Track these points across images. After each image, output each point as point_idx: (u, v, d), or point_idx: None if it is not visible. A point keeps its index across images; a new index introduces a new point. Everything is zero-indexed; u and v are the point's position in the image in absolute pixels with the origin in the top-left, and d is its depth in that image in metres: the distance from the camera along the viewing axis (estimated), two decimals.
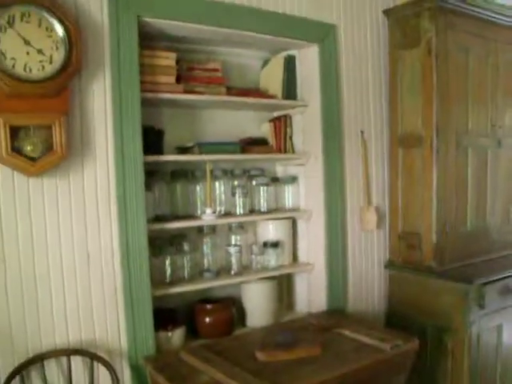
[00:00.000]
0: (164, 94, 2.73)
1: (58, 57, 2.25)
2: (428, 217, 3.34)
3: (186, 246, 2.94)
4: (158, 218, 2.80)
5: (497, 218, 3.75)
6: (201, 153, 2.90)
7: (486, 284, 3.21)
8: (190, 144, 2.98)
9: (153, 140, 2.77)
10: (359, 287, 3.50)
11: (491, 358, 3.36)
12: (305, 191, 3.41)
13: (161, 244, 2.88)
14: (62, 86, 2.27)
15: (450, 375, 3.23)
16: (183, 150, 2.98)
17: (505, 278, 3.36)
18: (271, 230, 3.32)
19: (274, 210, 3.28)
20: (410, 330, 3.01)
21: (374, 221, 3.46)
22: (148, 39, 2.74)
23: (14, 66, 2.15)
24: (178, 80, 2.85)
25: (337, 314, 3.21)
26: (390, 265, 3.60)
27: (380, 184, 3.59)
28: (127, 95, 2.50)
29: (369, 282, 3.56)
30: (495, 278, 3.29)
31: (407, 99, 3.44)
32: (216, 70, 3.05)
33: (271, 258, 3.21)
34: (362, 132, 3.46)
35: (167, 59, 2.80)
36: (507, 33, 3.70)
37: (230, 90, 3.08)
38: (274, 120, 3.42)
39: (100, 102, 2.48)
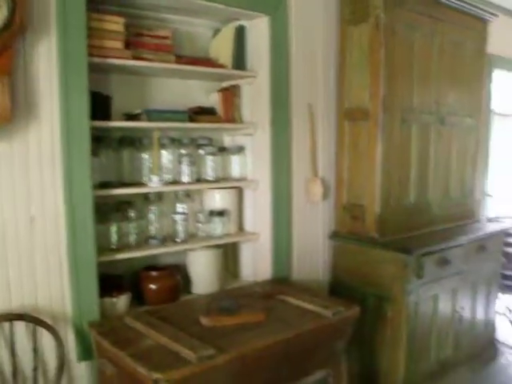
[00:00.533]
0: (112, 59, 2.69)
1: (1, 15, 2.19)
2: (372, 189, 3.43)
3: (132, 213, 2.94)
4: (105, 185, 2.78)
5: (438, 192, 3.89)
6: (149, 120, 2.88)
7: (425, 255, 3.33)
8: (138, 111, 2.95)
9: (100, 106, 2.73)
10: (304, 257, 3.58)
11: (427, 325, 3.51)
12: (252, 161, 3.44)
13: (107, 210, 2.86)
14: (5, 45, 2.21)
15: (389, 341, 3.36)
16: (131, 117, 2.95)
17: (443, 249, 3.50)
18: (218, 199, 3.35)
19: (221, 180, 3.30)
20: (352, 299, 3.11)
21: (320, 192, 3.53)
22: (96, 2, 2.68)
23: None
24: (127, 46, 2.81)
25: (281, 283, 3.28)
26: (334, 235, 3.69)
27: (327, 156, 3.65)
28: (74, 58, 2.45)
29: (313, 252, 3.64)
30: (434, 249, 3.42)
31: (355, 74, 3.51)
32: (166, 38, 3.01)
33: (217, 227, 3.24)
34: (309, 104, 3.50)
35: (116, 24, 2.74)
36: (453, 14, 3.81)
37: (180, 59, 3.06)
38: (223, 90, 3.42)
39: (45, 64, 2.41)
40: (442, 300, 3.59)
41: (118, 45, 2.75)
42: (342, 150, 3.62)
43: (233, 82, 3.43)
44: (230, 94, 3.39)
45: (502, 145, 6.06)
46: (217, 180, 3.25)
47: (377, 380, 3.44)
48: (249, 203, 3.51)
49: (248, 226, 3.52)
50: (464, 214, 4.22)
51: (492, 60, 4.97)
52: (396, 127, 3.45)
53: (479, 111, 4.31)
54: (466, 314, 3.90)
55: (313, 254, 3.64)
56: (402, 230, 3.58)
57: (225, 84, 3.47)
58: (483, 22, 4.17)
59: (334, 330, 2.78)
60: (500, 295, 4.63)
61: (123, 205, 2.96)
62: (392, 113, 3.41)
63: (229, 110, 3.38)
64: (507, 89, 5.94)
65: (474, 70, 4.15)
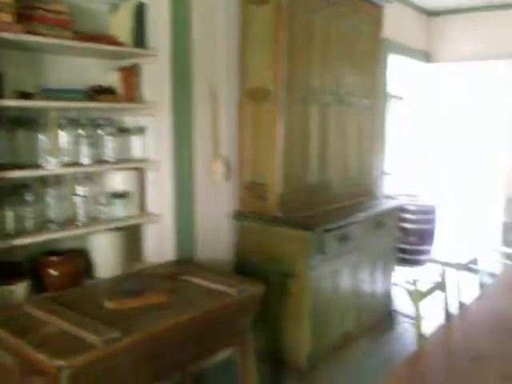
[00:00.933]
0: (0, 32, 2.54)
1: None
2: (274, 169, 3.48)
3: (29, 197, 2.80)
4: None
5: (337, 171, 4.01)
6: (45, 99, 2.75)
7: (326, 232, 3.44)
8: (33, 90, 2.81)
9: None
10: (208, 237, 3.58)
11: (330, 300, 3.64)
12: (153, 142, 3.37)
13: (1, 194, 2.71)
14: None
15: (294, 317, 3.45)
16: (25, 96, 2.81)
17: (343, 226, 3.62)
18: (119, 180, 3.26)
19: (122, 161, 3.22)
20: (257, 277, 3.16)
21: (222, 172, 3.54)
22: None
23: None
24: (20, 20, 2.66)
25: (185, 263, 3.26)
26: (237, 215, 3.72)
27: (229, 136, 3.66)
28: None
29: (217, 232, 3.66)
30: (334, 226, 3.53)
31: (257, 54, 3.53)
32: (62, 13, 2.86)
33: (119, 209, 3.17)
34: (211, 84, 3.49)
35: None
36: None
37: (78, 35, 2.93)
38: (123, 69, 3.32)
39: None
40: (343, 275, 3.73)
41: (8, 18, 2.58)
42: (245, 129, 3.64)
43: (133, 61, 3.34)
44: (130, 73, 3.31)
45: (397, 126, 6.35)
46: (117, 161, 3.17)
47: (283, 355, 3.53)
48: (151, 184, 3.45)
49: (151, 207, 3.47)
50: (362, 191, 4.40)
51: (387, 44, 5.17)
52: (297, 107, 3.52)
53: (375, 93, 4.48)
54: (366, 287, 4.08)
55: (217, 233, 3.66)
56: (304, 209, 3.67)
57: (125, 63, 3.37)
58: (378, 7, 4.32)
59: (240, 308, 2.81)
60: (396, 268, 4.87)
61: (19, 188, 2.81)
62: (293, 93, 3.47)
63: (129, 90, 3.30)
64: (402, 73, 6.22)
65: (369, 53, 4.31)
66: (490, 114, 5.86)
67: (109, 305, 2.46)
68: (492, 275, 3.43)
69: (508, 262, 4.69)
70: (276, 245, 3.47)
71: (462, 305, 2.84)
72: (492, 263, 5.42)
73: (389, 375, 2.01)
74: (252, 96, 3.56)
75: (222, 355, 3.44)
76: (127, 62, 3.35)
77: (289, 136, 3.47)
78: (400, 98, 6.39)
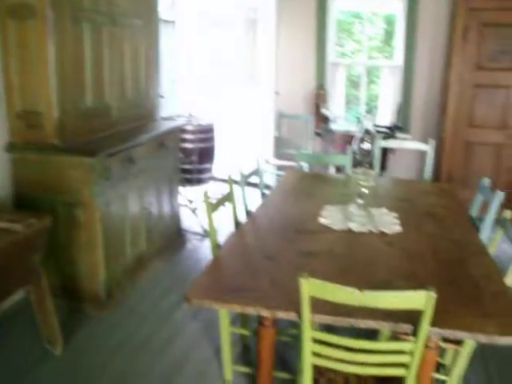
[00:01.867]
0: None
1: None
2: (48, 94, 3.24)
3: None
4: None
5: (115, 95, 3.89)
6: None
7: (109, 156, 3.35)
8: None
9: None
10: None
11: (120, 224, 3.61)
12: None
13: None
14: None
15: (86, 246, 3.36)
16: None
17: (126, 149, 3.56)
18: None
19: None
20: (42, 210, 2.99)
21: None
22: None
23: None
24: None
25: None
26: (10, 147, 3.41)
27: None
28: None
29: None
30: (117, 150, 3.45)
31: None
32: None
33: None
34: None
35: None
36: None
37: None
38: None
39: None
40: (130, 199, 3.71)
41: None
42: (9, 52, 3.29)
43: None
44: None
45: (171, 49, 6.32)
46: None
47: (79, 286, 3.44)
48: None
49: None
50: (142, 114, 4.35)
51: None
52: (67, 27, 3.28)
53: (148, 14, 4.37)
54: (154, 209, 4.12)
55: None
56: (84, 134, 3.51)
57: None
58: None
59: (28, 244, 2.66)
60: (181, 188, 4.98)
61: None
62: (61, 10, 3.21)
63: None
64: None
65: None
66: (254, 36, 6.11)
67: None
68: (267, 186, 3.70)
69: (279, 172, 5.08)
70: (58, 175, 3.29)
71: (248, 213, 3.03)
72: (267, 175, 5.86)
73: (192, 285, 2.09)
74: (14, 13, 3.21)
75: (17, 296, 3.26)
76: None
77: (61, 58, 3.24)
78: (172, 22, 6.34)
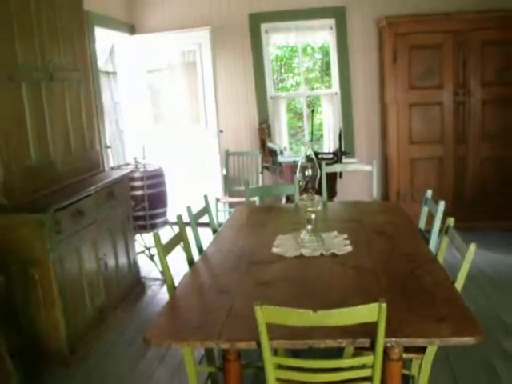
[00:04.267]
0: None
1: None
2: None
3: None
4: None
5: (59, 149, 3.88)
6: None
7: (58, 211, 3.33)
8: None
9: None
10: None
11: (77, 278, 3.57)
12: None
13: None
14: None
15: (44, 304, 3.30)
16: None
17: (75, 202, 3.55)
18: None
19: None
20: None
21: None
22: None
23: None
24: None
25: None
26: None
27: None
28: None
29: None
30: (66, 203, 3.43)
31: None
32: None
33: None
34: None
35: None
36: None
37: None
38: None
39: None
40: (85, 251, 3.68)
41: None
42: None
43: None
44: None
45: (111, 100, 6.37)
46: None
47: (41, 345, 3.36)
48: None
49: None
50: (88, 166, 4.34)
51: (92, 17, 5.11)
52: (4, 86, 3.29)
53: (85, 66, 4.42)
54: (110, 259, 4.10)
55: None
56: (31, 191, 3.48)
57: None
58: None
59: None
60: (137, 236, 4.97)
61: None
62: None
63: None
64: (110, 46, 6.22)
65: (73, 25, 4.20)
66: (194, 78, 6.22)
67: None
68: (219, 224, 3.74)
69: (231, 210, 5.12)
70: (9, 234, 3.24)
71: (201, 251, 3.05)
72: (219, 213, 5.91)
73: (151, 326, 2.10)
74: None
75: None
76: None
77: (1, 118, 3.24)
78: (113, 73, 6.40)
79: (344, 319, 1.77)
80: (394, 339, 1.84)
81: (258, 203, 4.22)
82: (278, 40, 6.63)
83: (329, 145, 6.35)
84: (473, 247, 2.31)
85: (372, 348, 1.83)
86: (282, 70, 8.91)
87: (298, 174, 2.81)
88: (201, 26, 6.00)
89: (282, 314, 1.79)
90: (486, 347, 3.39)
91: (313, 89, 8.41)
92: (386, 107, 5.79)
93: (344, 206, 4.03)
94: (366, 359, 1.85)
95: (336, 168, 4.24)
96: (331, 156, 5.60)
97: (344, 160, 5.78)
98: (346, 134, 6.22)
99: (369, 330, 1.80)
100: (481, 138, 5.69)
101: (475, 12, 5.61)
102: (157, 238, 2.55)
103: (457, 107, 5.63)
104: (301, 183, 2.88)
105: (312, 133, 5.93)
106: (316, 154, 5.75)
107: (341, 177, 5.59)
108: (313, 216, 2.82)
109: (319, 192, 3.63)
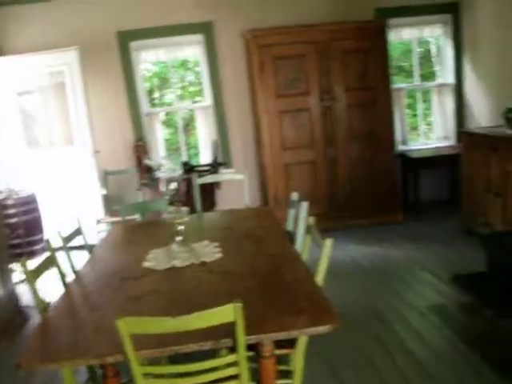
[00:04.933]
0: None
1: None
2: None
3: None
4: None
5: None
6: None
7: None
8: None
9: None
10: None
11: None
12: None
13: None
14: None
15: None
16: None
17: None
18: None
19: None
20: None
21: None
22: None
23: None
24: None
25: None
26: None
27: None
28: None
29: None
30: None
31: None
32: None
33: None
34: None
35: None
36: None
37: None
38: None
39: None
40: None
41: None
42: None
43: None
44: None
45: None
46: None
47: None
48: None
49: None
50: None
51: None
52: None
53: None
54: None
55: None
56: None
57: None
58: None
59: None
60: (14, 265, 4.79)
61: None
62: None
63: None
64: None
65: None
66: (65, 99, 6.10)
67: None
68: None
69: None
70: None
71: (75, 272, 3.03)
72: (95, 233, 5.82)
73: (23, 351, 2.07)
74: None
75: None
76: None
77: None
78: None
79: (202, 322, 1.86)
80: (254, 336, 1.95)
81: (139, 220, 4.23)
82: (148, 57, 6.65)
83: (206, 157, 6.45)
84: (329, 242, 2.48)
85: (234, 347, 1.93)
86: (163, 86, 8.93)
87: (162, 188, 2.88)
88: (70, 45, 5.90)
89: (144, 325, 1.84)
90: (361, 334, 3.64)
91: (195, 102, 8.51)
92: (258, 116, 5.99)
93: (219, 215, 4.15)
94: (231, 357, 1.94)
95: (207, 179, 4.35)
96: (208, 168, 5.70)
97: (223, 170, 5.91)
98: (222, 145, 6.37)
99: (232, 330, 1.89)
100: (348, 140, 6.05)
101: (334, 23, 6.00)
102: (24, 263, 2.52)
103: (324, 112, 5.95)
104: (168, 197, 2.94)
105: (194, 146, 6.00)
106: (193, 166, 5.85)
107: (218, 187, 5.71)
108: (181, 227, 2.89)
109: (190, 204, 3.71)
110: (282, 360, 2.58)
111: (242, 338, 1.89)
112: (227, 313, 1.84)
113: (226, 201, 6.07)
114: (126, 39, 6.24)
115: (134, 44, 6.31)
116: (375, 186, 6.14)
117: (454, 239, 5.44)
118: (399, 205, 6.31)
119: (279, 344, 2.37)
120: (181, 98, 7.72)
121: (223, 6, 6.24)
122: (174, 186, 2.86)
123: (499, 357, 3.22)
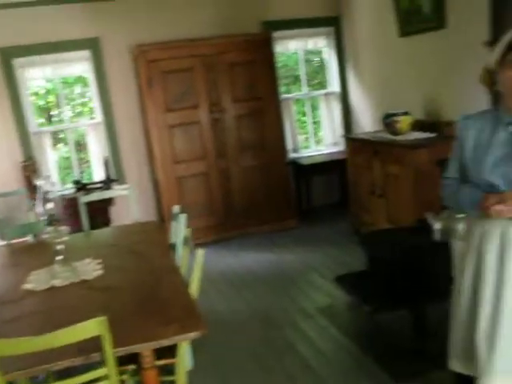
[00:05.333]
0: None
1: None
2: None
3: None
4: None
5: None
6: None
7: None
8: None
9: None
10: None
11: None
12: None
13: None
14: None
15: None
16: None
17: None
18: None
19: None
20: None
21: None
22: None
23: None
24: None
25: None
26: None
27: None
28: None
29: None
30: None
31: None
32: None
33: None
34: None
35: None
36: None
37: None
38: None
39: None
40: None
41: None
42: None
43: None
44: None
45: None
46: None
47: None
48: None
49: None
50: None
51: None
52: None
53: None
54: None
55: None
56: None
57: None
58: None
59: None
60: None
61: None
62: None
63: None
64: None
65: None
66: None
67: None
68: None
69: None
70: None
71: None
72: None
73: None
74: None
75: None
76: None
77: None
78: None
79: (68, 338, 1.91)
80: (122, 348, 2.02)
81: (30, 241, 4.18)
82: (35, 74, 6.51)
83: (99, 174, 6.40)
84: (201, 252, 2.61)
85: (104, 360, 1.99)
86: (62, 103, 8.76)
87: (39, 209, 2.88)
88: None
89: (11, 346, 1.87)
90: (252, 339, 3.77)
91: (92, 119, 8.40)
92: (148, 131, 6.03)
93: (107, 232, 4.16)
94: (101, 371, 2.00)
95: (93, 197, 4.34)
96: (100, 185, 5.68)
97: (116, 186, 5.89)
98: (115, 161, 6.35)
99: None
100: (239, 150, 6.22)
101: (221, 37, 6.17)
102: None
103: (214, 124, 6.09)
104: (46, 217, 2.95)
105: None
106: (85, 184, 5.80)
107: (111, 204, 5.70)
108: (60, 247, 2.91)
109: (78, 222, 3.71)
110: (170, 371, 2.64)
111: (110, 351, 1.96)
112: (92, 327, 1.90)
113: (122, 217, 6.04)
114: (8, 56, 6.07)
115: (18, 61, 6.15)
116: (269, 194, 6.34)
117: (344, 241, 5.71)
118: (294, 211, 6.54)
119: (162, 355, 2.46)
120: (79, 114, 7.59)
121: (110, 22, 6.22)
122: (50, 205, 2.88)
123: (376, 349, 3.47)
